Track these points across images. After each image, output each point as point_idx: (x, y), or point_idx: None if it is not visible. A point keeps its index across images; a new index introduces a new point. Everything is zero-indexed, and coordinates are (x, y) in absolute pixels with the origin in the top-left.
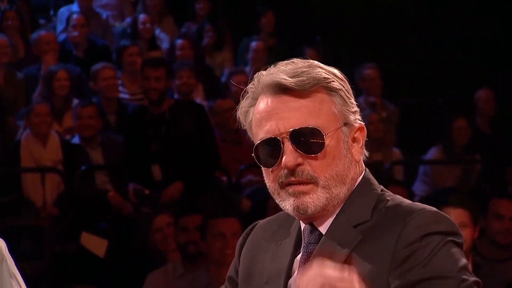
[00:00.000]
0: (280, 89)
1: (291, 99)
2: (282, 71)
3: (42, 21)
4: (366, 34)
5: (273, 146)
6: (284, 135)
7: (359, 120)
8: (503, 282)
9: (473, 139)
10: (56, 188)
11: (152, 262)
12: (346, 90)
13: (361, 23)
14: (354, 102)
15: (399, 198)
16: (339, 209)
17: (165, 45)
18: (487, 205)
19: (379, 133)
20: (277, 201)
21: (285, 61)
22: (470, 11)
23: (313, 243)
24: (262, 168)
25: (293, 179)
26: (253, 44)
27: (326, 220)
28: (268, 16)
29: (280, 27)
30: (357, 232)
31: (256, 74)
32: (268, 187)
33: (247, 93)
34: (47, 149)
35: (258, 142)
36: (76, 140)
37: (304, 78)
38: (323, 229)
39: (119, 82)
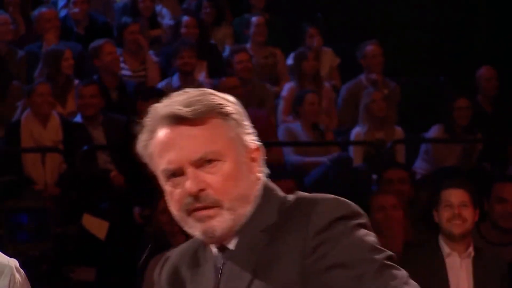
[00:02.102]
0: (176, 120)
1: (187, 128)
2: (176, 102)
3: None
4: (368, 10)
5: (175, 175)
6: (185, 163)
7: (254, 140)
8: (506, 265)
9: (475, 118)
10: (57, 168)
11: (155, 245)
12: (239, 113)
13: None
14: (248, 124)
15: (301, 194)
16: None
17: (166, 21)
18: (489, 187)
19: (381, 112)
20: (185, 228)
21: (179, 92)
22: None
23: (227, 262)
24: (168, 199)
25: (198, 205)
26: (254, 19)
27: (235, 239)
28: None
29: (275, 2)
30: (265, 234)
31: (151, 107)
32: (174, 216)
33: (143, 126)
34: (48, 129)
35: (161, 172)
36: (78, 119)
37: (198, 106)
38: (233, 246)
39: (122, 59)
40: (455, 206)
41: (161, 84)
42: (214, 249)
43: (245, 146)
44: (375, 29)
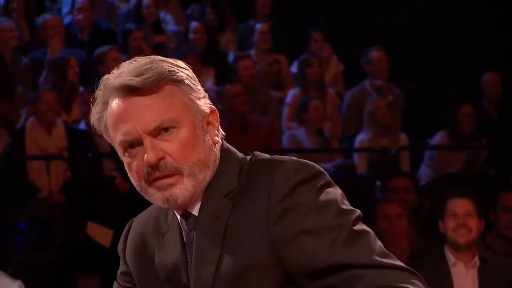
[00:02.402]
0: (129, 90)
1: (141, 98)
2: (127, 72)
3: (47, 3)
4: (371, 16)
5: (133, 146)
6: (142, 133)
7: (209, 104)
8: None
9: (479, 124)
10: (62, 175)
11: None
12: (191, 77)
13: (367, 4)
14: (201, 88)
15: (258, 156)
16: (206, 187)
17: (171, 27)
18: (495, 195)
19: (386, 119)
20: (146, 197)
21: (128, 61)
22: None
23: (192, 229)
24: (127, 170)
25: (158, 174)
26: (258, 26)
27: (197, 203)
28: None
29: (279, 9)
30: (228, 200)
31: (102, 79)
32: (135, 186)
33: (96, 98)
34: (52, 137)
35: (118, 144)
36: (82, 126)
37: (150, 75)
38: (196, 211)
39: None
40: (460, 215)
41: None
42: (178, 216)
43: (200, 111)
44: (378, 35)
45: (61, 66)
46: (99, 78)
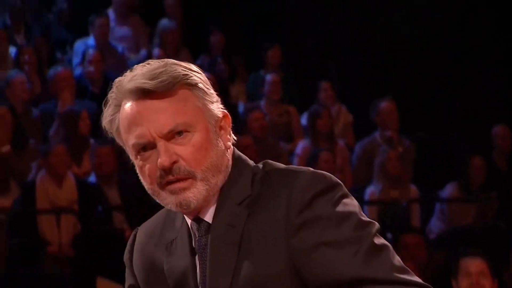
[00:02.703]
0: (143, 93)
1: (155, 101)
2: (140, 75)
3: (58, 55)
4: (381, 68)
5: (146, 149)
6: (156, 136)
7: (221, 108)
8: None
9: (490, 176)
10: (72, 229)
11: None
12: (204, 81)
13: (377, 55)
14: (214, 92)
15: (271, 165)
16: (219, 194)
17: None
18: (507, 249)
19: (396, 171)
20: (158, 200)
21: (141, 64)
22: (487, 47)
23: (204, 236)
24: (139, 173)
25: (171, 177)
26: (269, 77)
27: (209, 209)
28: (275, 50)
29: (289, 60)
30: (243, 208)
31: (115, 81)
32: (147, 189)
33: (108, 101)
34: (63, 189)
35: (130, 147)
36: (93, 179)
37: (164, 78)
38: (209, 218)
39: None
40: (474, 275)
41: None
42: (189, 221)
43: (213, 115)
44: (388, 85)
45: (73, 119)
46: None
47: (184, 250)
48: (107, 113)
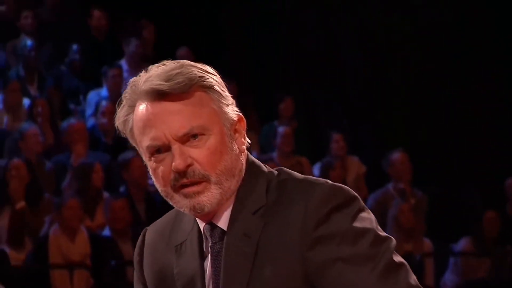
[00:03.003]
0: (158, 95)
1: (170, 103)
2: (156, 76)
3: (71, 106)
4: (393, 120)
5: (160, 151)
6: (171, 139)
7: (236, 111)
8: None
9: (504, 229)
10: (85, 283)
11: None
12: (220, 83)
13: (389, 108)
14: (229, 95)
15: (287, 173)
16: (233, 200)
17: None
18: None
19: (409, 224)
20: (171, 203)
21: (156, 65)
22: (497, 97)
23: (218, 242)
24: (152, 174)
25: (185, 181)
26: (280, 129)
27: (223, 214)
28: (287, 102)
29: (301, 111)
30: (258, 218)
31: (130, 81)
32: (160, 191)
33: (122, 101)
34: (76, 244)
35: (144, 148)
36: (106, 232)
37: (180, 80)
38: (223, 224)
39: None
40: None
41: None
42: (202, 225)
43: (228, 118)
44: (400, 137)
45: (86, 172)
46: (122, 182)
47: (193, 254)
48: (120, 113)
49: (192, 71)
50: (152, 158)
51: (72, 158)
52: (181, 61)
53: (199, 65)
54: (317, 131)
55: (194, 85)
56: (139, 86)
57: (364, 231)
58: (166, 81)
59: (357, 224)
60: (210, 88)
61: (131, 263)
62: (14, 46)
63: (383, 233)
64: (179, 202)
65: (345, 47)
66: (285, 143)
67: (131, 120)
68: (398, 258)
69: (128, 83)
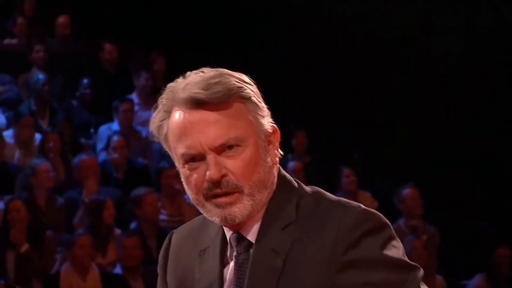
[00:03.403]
0: (197, 103)
1: (208, 112)
2: (194, 84)
3: (83, 140)
4: (405, 154)
5: (194, 160)
6: (206, 149)
7: (271, 122)
8: None
9: None
10: None
11: None
12: (257, 94)
13: (400, 141)
14: (265, 106)
15: (320, 193)
16: (263, 213)
17: None
18: None
19: (422, 261)
20: (202, 211)
21: (194, 72)
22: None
23: (243, 253)
24: (184, 181)
25: (218, 191)
26: (291, 164)
27: (252, 226)
28: (300, 136)
29: (315, 145)
30: (287, 234)
31: (167, 87)
32: (192, 199)
33: (159, 106)
34: (87, 282)
35: (179, 155)
36: (118, 270)
37: (219, 90)
38: (251, 236)
39: (159, 203)
40: None
41: None
42: (228, 234)
43: (263, 130)
44: (411, 171)
45: (97, 208)
46: (133, 218)
47: (214, 261)
48: (156, 118)
49: (230, 81)
50: (186, 166)
51: (84, 194)
52: (220, 69)
53: (237, 75)
54: (328, 165)
55: (232, 96)
56: (176, 93)
57: (394, 259)
58: (204, 90)
59: (387, 251)
60: (247, 99)
61: None
62: (26, 80)
63: (412, 262)
64: (210, 211)
65: (355, 80)
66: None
67: (166, 125)
68: (424, 287)
69: (165, 88)
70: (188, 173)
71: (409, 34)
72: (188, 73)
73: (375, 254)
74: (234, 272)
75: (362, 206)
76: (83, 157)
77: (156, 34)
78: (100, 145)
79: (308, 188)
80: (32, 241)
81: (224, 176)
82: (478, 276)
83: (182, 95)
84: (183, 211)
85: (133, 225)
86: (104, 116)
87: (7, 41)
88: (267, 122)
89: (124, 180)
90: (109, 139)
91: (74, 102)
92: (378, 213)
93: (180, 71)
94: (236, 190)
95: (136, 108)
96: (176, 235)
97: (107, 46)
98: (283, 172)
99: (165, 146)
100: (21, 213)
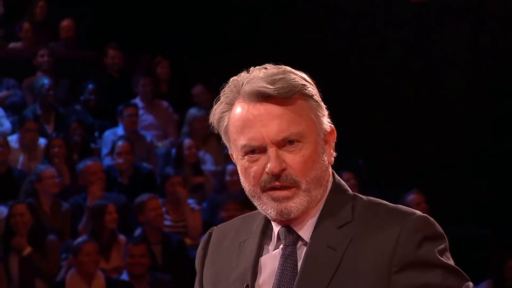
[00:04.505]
0: (262, 97)
1: (272, 106)
2: (259, 78)
3: (92, 144)
4: (408, 159)
5: (254, 152)
6: (269, 142)
7: (329, 122)
8: None
9: None
10: None
11: None
12: (317, 94)
13: (404, 148)
14: (324, 106)
15: (374, 199)
16: (317, 211)
17: (209, 167)
18: None
19: None
20: (256, 203)
21: (257, 67)
22: None
23: (291, 245)
24: (241, 173)
25: (277, 184)
26: None
27: (304, 222)
28: None
29: None
30: (344, 233)
31: (231, 80)
32: (247, 190)
33: (220, 98)
34: None
35: (239, 147)
36: (124, 276)
37: (284, 85)
38: (303, 231)
39: (163, 208)
40: None
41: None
42: (277, 228)
43: (322, 128)
44: (416, 177)
45: (99, 213)
46: (137, 224)
47: (252, 250)
48: (217, 110)
49: (294, 78)
50: (245, 157)
51: (88, 199)
52: (283, 66)
53: (299, 73)
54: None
55: (296, 93)
56: (240, 86)
57: (451, 266)
58: (270, 84)
59: (445, 259)
60: (310, 97)
61: None
62: (30, 84)
63: (465, 275)
64: (266, 204)
65: (358, 84)
66: None
67: (227, 117)
68: None
69: (228, 81)
70: (247, 165)
71: (413, 39)
72: (252, 68)
73: (434, 258)
74: (279, 263)
75: (423, 214)
76: (88, 162)
77: (160, 39)
78: (104, 150)
79: (361, 195)
80: (35, 245)
81: (283, 170)
82: (485, 283)
83: (247, 88)
84: (187, 217)
85: (137, 231)
86: (109, 121)
87: (12, 45)
88: (326, 122)
89: (129, 185)
90: (113, 144)
91: (79, 107)
92: (436, 223)
93: (183, 76)
94: (293, 185)
95: (141, 112)
96: (217, 231)
97: (111, 52)
98: (337, 176)
99: (224, 138)
100: (24, 217)
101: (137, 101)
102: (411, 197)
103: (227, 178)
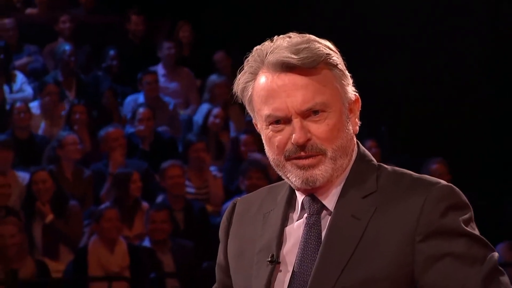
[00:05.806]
0: (287, 67)
1: (297, 76)
2: (283, 48)
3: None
4: (433, 127)
5: (279, 122)
6: (293, 112)
7: (354, 91)
8: None
9: None
10: None
11: None
12: (342, 63)
13: (426, 115)
14: (348, 74)
15: (399, 169)
16: (341, 181)
17: (232, 133)
18: None
19: None
20: (280, 172)
21: (281, 36)
22: None
23: (315, 215)
24: (266, 142)
25: (302, 154)
26: None
27: (329, 191)
28: None
29: None
30: (368, 203)
31: (255, 49)
32: (271, 159)
33: (244, 67)
34: (115, 255)
35: (263, 117)
36: (146, 243)
37: (308, 55)
38: (328, 201)
39: (186, 175)
40: None
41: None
42: (301, 197)
43: (347, 97)
44: (440, 146)
45: (124, 181)
46: (159, 190)
47: (276, 220)
48: (241, 79)
49: (319, 48)
50: (270, 127)
51: (110, 166)
52: (307, 35)
53: (324, 42)
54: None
55: (321, 62)
56: (264, 56)
57: (476, 236)
58: (294, 54)
59: (470, 229)
60: (335, 66)
61: (171, 275)
62: (51, 50)
63: (490, 245)
64: (290, 172)
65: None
66: None
67: (251, 87)
68: (501, 268)
69: (252, 50)
70: (271, 134)
71: (432, 21)
72: (275, 37)
73: (459, 227)
74: (303, 232)
75: (446, 182)
76: (110, 128)
77: (182, 4)
78: (127, 116)
79: (386, 165)
80: (57, 212)
81: (308, 140)
82: (502, 245)
83: (271, 58)
84: (210, 184)
85: (160, 197)
86: (131, 87)
87: (29, 10)
88: (351, 91)
89: (151, 152)
90: (134, 111)
91: (100, 74)
92: (461, 192)
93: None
94: (319, 153)
95: (162, 79)
96: (241, 201)
97: (133, 17)
98: (362, 146)
99: (248, 108)
100: (46, 184)
101: (159, 67)
102: (434, 166)
103: (242, 148)
